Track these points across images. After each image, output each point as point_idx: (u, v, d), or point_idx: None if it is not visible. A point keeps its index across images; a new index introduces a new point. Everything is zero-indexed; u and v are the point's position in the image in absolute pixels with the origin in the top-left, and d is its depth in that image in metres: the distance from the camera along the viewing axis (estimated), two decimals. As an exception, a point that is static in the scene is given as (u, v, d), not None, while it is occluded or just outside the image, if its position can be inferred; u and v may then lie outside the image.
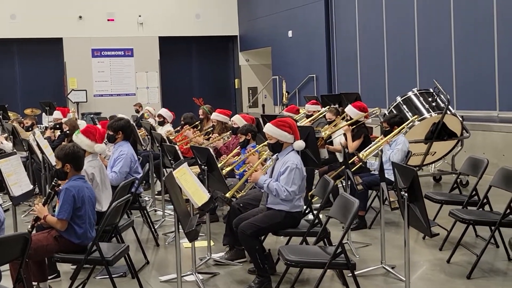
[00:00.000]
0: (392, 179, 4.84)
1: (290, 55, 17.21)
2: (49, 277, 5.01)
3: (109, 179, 5.94)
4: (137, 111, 15.30)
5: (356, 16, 14.58)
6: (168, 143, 7.33)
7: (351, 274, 4.29)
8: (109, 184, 5.78)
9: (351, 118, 7.52)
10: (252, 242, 4.98)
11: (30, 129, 10.05)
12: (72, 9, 18.30)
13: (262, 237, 5.30)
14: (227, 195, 5.30)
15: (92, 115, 14.81)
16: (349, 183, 6.22)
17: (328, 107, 8.91)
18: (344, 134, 7.54)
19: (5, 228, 3.93)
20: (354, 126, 7.45)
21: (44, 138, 8.00)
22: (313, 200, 5.87)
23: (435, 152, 9.15)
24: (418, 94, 9.26)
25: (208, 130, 8.61)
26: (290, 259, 4.27)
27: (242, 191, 5.54)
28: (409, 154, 6.81)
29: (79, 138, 5.51)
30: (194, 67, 20.38)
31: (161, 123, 10.03)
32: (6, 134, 10.03)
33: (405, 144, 6.85)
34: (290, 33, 17.12)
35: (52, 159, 7.12)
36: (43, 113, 14.71)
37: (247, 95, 20.35)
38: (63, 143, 8.07)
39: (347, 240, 5.83)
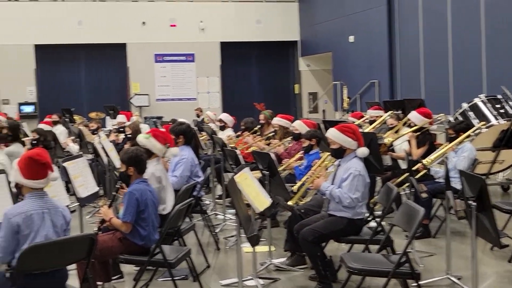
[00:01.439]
0: (458, 187, 4.71)
1: (351, 60, 17.05)
2: (113, 278, 5.10)
3: (174, 182, 6.01)
4: (198, 116, 15.49)
5: (420, 19, 14.31)
6: (229, 148, 7.37)
7: (415, 284, 4.19)
8: (171, 187, 5.84)
9: (415, 125, 7.36)
10: (314, 248, 4.94)
11: (95, 132, 10.28)
12: (136, 15, 18.70)
13: (324, 244, 5.25)
14: (290, 202, 5.27)
15: (154, 119, 15.06)
16: (412, 190, 6.08)
17: (389, 112, 8.76)
18: (408, 141, 7.39)
19: (70, 228, 4.02)
20: (419, 133, 7.29)
21: (110, 142, 8.17)
22: (375, 207, 5.77)
23: (504, 161, 8.85)
24: (485, 101, 9.00)
25: (269, 135, 8.59)
26: (353, 267, 4.21)
27: (305, 199, 5.49)
28: (475, 162, 6.61)
29: (151, 142, 5.59)
30: (254, 72, 20.46)
31: (222, 128, 10.10)
32: (72, 137, 10.30)
33: (472, 152, 6.64)
34: (351, 38, 16.96)
35: (117, 162, 7.28)
36: (107, 117, 15.08)
37: (307, 100, 20.28)
38: (125, 146, 8.24)
39: (411, 249, 5.70)
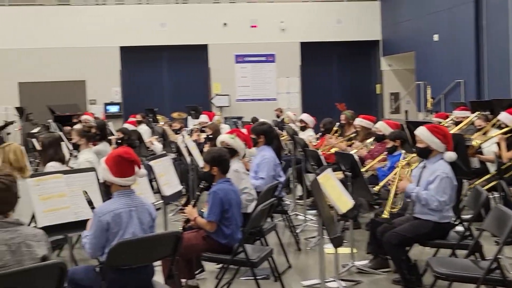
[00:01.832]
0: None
1: (435, 59, 16.59)
2: (196, 272, 5.18)
3: (258, 184, 6.03)
4: (278, 116, 15.51)
5: (509, 15, 13.73)
6: (311, 148, 7.33)
7: (506, 292, 4.02)
8: (251, 186, 5.87)
9: (506, 126, 7.06)
10: (398, 252, 4.83)
11: (178, 132, 10.49)
12: (217, 16, 18.95)
13: (408, 247, 5.12)
14: (384, 215, 5.16)
15: (234, 120, 15.22)
16: (502, 194, 5.84)
17: (477, 113, 8.45)
18: (497, 143, 7.10)
19: (156, 225, 4.11)
20: (509, 135, 6.99)
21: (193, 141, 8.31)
22: (462, 211, 5.59)
23: None
24: None
25: (351, 136, 8.48)
26: (440, 272, 4.08)
27: (397, 205, 5.37)
28: None
29: (236, 142, 5.64)
30: (334, 72, 20.29)
31: (303, 128, 10.06)
32: (156, 136, 10.56)
33: None
34: (436, 37, 16.51)
35: (200, 161, 7.39)
36: (189, 117, 15.35)
37: (389, 100, 19.92)
38: (205, 146, 8.36)
39: (501, 255, 5.48)
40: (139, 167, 4.06)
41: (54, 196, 4.38)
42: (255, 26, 19.11)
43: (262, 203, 4.95)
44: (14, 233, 3.15)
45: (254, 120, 15.65)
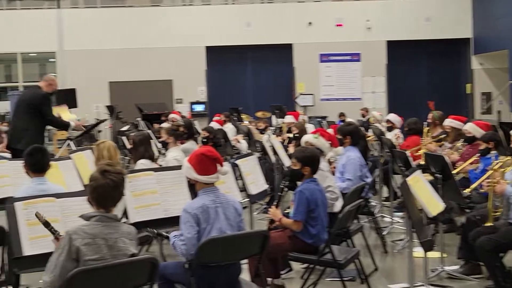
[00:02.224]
0: None
1: (529, 58, 15.87)
2: (282, 272, 5.18)
3: (344, 185, 5.97)
4: (363, 116, 15.30)
5: None
6: (398, 149, 7.17)
7: None
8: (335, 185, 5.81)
9: None
10: (492, 258, 4.64)
11: (263, 132, 10.54)
12: (302, 16, 18.91)
13: (502, 254, 4.91)
14: (488, 223, 4.97)
15: (318, 119, 15.13)
16: None
17: None
18: None
19: (243, 220, 4.15)
20: None
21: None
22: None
23: None
24: None
25: (440, 137, 8.22)
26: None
27: (498, 209, 5.15)
28: None
29: (320, 141, 5.61)
30: (422, 72, 19.77)
31: (390, 129, 9.86)
32: (242, 135, 10.65)
33: None
34: (531, 35, 15.79)
35: (286, 160, 7.39)
36: (273, 116, 15.40)
37: (480, 100, 19.22)
38: (290, 145, 8.34)
39: None
40: (221, 165, 4.12)
41: (147, 193, 4.50)
42: (340, 25, 18.93)
43: (349, 204, 4.89)
44: (112, 228, 3.28)
45: (341, 115, 15.54)
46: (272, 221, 4.94)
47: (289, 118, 10.89)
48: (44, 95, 7.91)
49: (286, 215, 4.96)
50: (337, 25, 18.91)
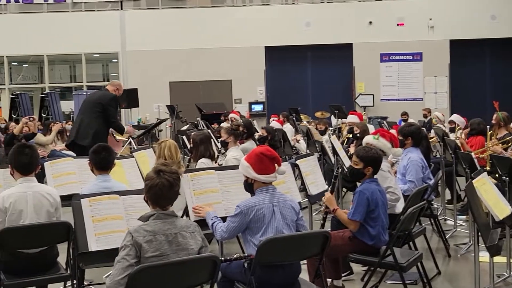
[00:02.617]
0: None
1: None
2: (343, 274, 5.13)
3: (406, 187, 5.86)
4: (425, 116, 15.01)
5: None
6: (463, 151, 6.98)
7: None
8: (398, 186, 5.70)
9: None
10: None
11: (324, 132, 10.47)
12: (362, 15, 18.72)
13: None
14: None
15: (378, 120, 14.93)
16: None
17: None
18: None
19: (303, 219, 4.15)
20: None
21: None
22: None
23: None
24: None
25: (507, 138, 7.96)
26: None
27: None
28: None
29: (380, 142, 5.53)
30: (487, 71, 19.23)
31: (452, 130, 9.63)
32: (301, 134, 10.62)
33: None
34: None
35: (346, 161, 7.31)
36: (332, 116, 15.29)
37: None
38: (351, 146, 8.24)
39: None
40: (280, 165, 4.14)
41: (208, 191, 4.53)
42: (401, 24, 18.64)
43: (412, 206, 4.79)
44: (171, 224, 3.33)
45: (404, 114, 15.28)
46: (327, 208, 4.92)
47: (351, 117, 10.76)
48: (112, 98, 8.19)
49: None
50: (399, 24, 18.62)
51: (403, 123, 10.89)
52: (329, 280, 4.89)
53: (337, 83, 19.28)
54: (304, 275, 4.27)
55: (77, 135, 8.08)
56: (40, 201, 4.29)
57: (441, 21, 18.52)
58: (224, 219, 4.28)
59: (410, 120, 13.53)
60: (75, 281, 4.32)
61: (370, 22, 18.69)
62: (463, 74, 18.81)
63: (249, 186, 4.13)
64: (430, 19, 18.55)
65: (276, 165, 4.10)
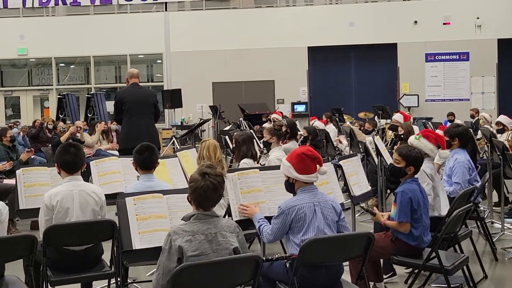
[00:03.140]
0: None
1: None
2: (385, 276, 5.06)
3: (451, 189, 5.75)
4: (472, 117, 14.72)
5: None
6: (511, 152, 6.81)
7: None
8: (443, 190, 5.59)
9: None
10: None
11: (370, 132, 10.38)
12: (407, 14, 18.48)
13: None
14: None
15: (423, 120, 14.72)
16: None
17: None
18: None
19: (345, 219, 4.12)
20: None
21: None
22: None
23: None
24: None
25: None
26: None
27: None
28: None
29: (421, 142, 5.44)
30: (538, 71, 18.77)
31: (500, 131, 9.42)
32: (343, 135, 10.54)
33: None
34: None
35: (389, 162, 7.22)
36: (375, 117, 15.15)
37: None
38: (395, 146, 8.14)
39: None
40: (321, 165, 4.13)
41: (255, 190, 4.55)
42: (448, 23, 18.32)
43: (458, 208, 4.70)
44: (210, 224, 3.36)
45: (450, 114, 15.02)
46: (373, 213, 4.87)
47: (396, 117, 10.65)
48: (156, 94, 8.28)
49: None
50: (445, 23, 18.31)
51: (448, 124, 10.71)
52: (371, 282, 4.83)
53: (381, 84, 19.09)
54: (345, 276, 4.23)
55: (151, 140, 7.92)
56: (86, 199, 4.36)
57: (489, 20, 18.14)
58: (269, 219, 4.29)
59: (457, 121, 13.29)
60: (119, 279, 4.38)
61: (416, 22, 18.43)
62: (511, 74, 18.36)
63: (290, 186, 4.13)
64: (478, 18, 18.18)
65: (317, 165, 4.09)
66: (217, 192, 3.41)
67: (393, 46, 18.67)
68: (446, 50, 18.51)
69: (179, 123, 18.23)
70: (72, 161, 4.41)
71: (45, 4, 19.71)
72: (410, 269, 5.24)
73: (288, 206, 3.96)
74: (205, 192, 3.35)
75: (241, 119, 14.55)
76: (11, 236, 4.29)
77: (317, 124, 11.04)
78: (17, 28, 19.45)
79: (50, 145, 10.99)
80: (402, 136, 8.38)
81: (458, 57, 18.58)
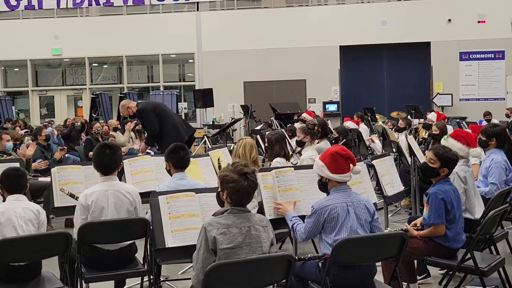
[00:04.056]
0: None
1: None
2: (419, 277, 5.01)
3: (487, 190, 5.66)
4: (508, 116, 14.49)
5: None
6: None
7: None
8: (477, 191, 5.50)
9: None
10: None
11: (402, 130, 10.29)
12: (441, 12, 18.23)
13: None
14: None
15: (457, 120, 14.52)
16: None
17: None
18: None
19: (378, 220, 4.09)
20: None
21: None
22: None
23: None
24: None
25: None
26: None
27: None
28: None
29: (449, 142, 5.37)
30: None
31: (537, 130, 9.23)
32: (376, 134, 10.46)
33: None
34: None
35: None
36: (408, 116, 14.99)
37: None
38: (429, 146, 8.04)
39: None
40: (354, 164, 4.12)
41: (292, 189, 4.56)
42: (483, 21, 18.03)
43: (494, 209, 4.62)
44: (244, 218, 3.40)
45: (487, 114, 14.79)
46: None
47: (432, 115, 10.54)
48: None
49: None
50: (480, 22, 18.02)
51: (484, 123, 10.55)
52: (404, 283, 4.78)
53: (414, 83, 18.89)
54: (378, 277, 4.19)
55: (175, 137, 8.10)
56: (121, 199, 4.40)
57: (526, 18, 17.81)
58: (302, 218, 4.30)
59: (494, 120, 13.09)
60: (152, 276, 4.41)
61: (449, 20, 18.18)
62: (548, 73, 18.03)
63: (324, 185, 4.12)
64: (513, 16, 17.88)
65: (351, 164, 4.06)
66: (255, 190, 3.47)
67: (426, 45, 18.45)
68: (480, 48, 18.21)
69: (211, 123, 18.31)
70: (107, 163, 4.45)
71: (79, 4, 19.97)
72: (444, 271, 5.17)
73: (321, 206, 3.96)
74: (247, 191, 3.40)
75: (272, 118, 14.54)
76: (47, 233, 4.36)
77: (349, 124, 10.96)
78: (52, 29, 19.75)
79: (83, 143, 11.14)
80: (436, 136, 8.27)
81: (493, 56, 18.26)
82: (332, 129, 9.61)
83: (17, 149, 7.67)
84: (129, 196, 4.43)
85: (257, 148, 10.57)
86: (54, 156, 8.53)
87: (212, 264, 3.12)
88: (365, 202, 4.05)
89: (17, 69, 21.56)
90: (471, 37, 18.04)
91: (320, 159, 4.12)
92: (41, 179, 7.59)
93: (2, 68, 20.96)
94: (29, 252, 3.89)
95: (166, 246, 4.01)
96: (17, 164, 5.24)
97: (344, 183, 4.06)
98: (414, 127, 13.05)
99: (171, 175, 4.85)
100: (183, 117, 19.53)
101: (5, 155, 7.37)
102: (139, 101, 8.19)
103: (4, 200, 4.24)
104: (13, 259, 3.89)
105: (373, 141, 9.92)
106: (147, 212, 4.46)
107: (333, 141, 8.64)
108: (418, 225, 4.74)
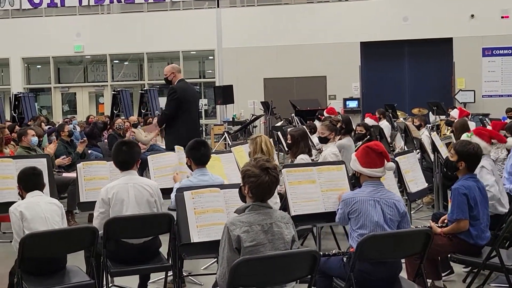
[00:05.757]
0: None
1: None
2: (443, 274, 4.98)
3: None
4: (531, 114, 14.31)
5: None
6: None
7: None
8: (503, 187, 5.45)
9: None
10: None
11: (418, 129, 10.20)
12: (464, 8, 18.05)
13: None
14: None
15: (480, 117, 14.37)
16: None
17: None
18: None
19: (405, 220, 4.07)
20: None
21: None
22: None
23: None
24: None
25: None
26: None
27: None
28: None
29: (473, 140, 5.33)
30: None
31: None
32: (398, 132, 10.39)
33: None
34: None
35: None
36: (430, 113, 14.88)
37: None
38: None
39: None
40: (388, 160, 4.13)
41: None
42: (506, 17, 17.82)
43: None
44: (265, 215, 3.40)
45: (510, 110, 14.63)
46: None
47: (454, 112, 10.45)
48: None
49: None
50: (503, 17, 17.81)
51: (507, 120, 10.44)
52: (429, 280, 4.75)
53: (436, 79, 18.73)
54: (401, 274, 4.17)
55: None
56: (141, 192, 4.47)
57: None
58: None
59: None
60: (176, 271, 4.44)
61: (472, 15, 17.99)
62: None
63: (356, 179, 4.19)
64: (538, 11, 17.66)
65: (384, 160, 4.10)
66: (276, 186, 3.46)
67: (449, 41, 18.28)
68: (504, 44, 18.00)
69: (231, 119, 18.33)
70: (124, 161, 4.56)
71: (101, 2, 20.12)
72: (469, 268, 5.13)
73: (347, 197, 4.06)
74: (269, 186, 3.39)
75: (292, 115, 14.51)
76: (74, 227, 4.42)
77: (368, 120, 10.90)
78: (74, 26, 19.92)
79: (105, 140, 11.23)
80: (453, 131, 8.21)
81: (516, 52, 18.09)
82: (356, 125, 9.57)
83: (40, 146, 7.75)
84: (148, 189, 4.51)
85: (278, 145, 10.65)
86: (76, 150, 8.63)
87: (237, 259, 3.12)
88: (396, 201, 4.04)
89: (39, 66, 21.79)
90: (494, 32, 17.84)
91: (355, 154, 4.21)
92: (65, 174, 7.67)
93: (25, 65, 21.19)
94: (57, 246, 3.95)
95: (192, 241, 4.03)
96: (44, 160, 5.31)
97: (376, 179, 4.10)
98: (436, 123, 12.95)
99: (192, 171, 4.89)
100: (203, 114, 19.68)
101: (31, 151, 7.45)
102: (180, 80, 8.10)
103: (23, 199, 4.32)
104: (42, 253, 3.94)
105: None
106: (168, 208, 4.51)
107: (359, 139, 8.60)
108: (446, 221, 4.71)
